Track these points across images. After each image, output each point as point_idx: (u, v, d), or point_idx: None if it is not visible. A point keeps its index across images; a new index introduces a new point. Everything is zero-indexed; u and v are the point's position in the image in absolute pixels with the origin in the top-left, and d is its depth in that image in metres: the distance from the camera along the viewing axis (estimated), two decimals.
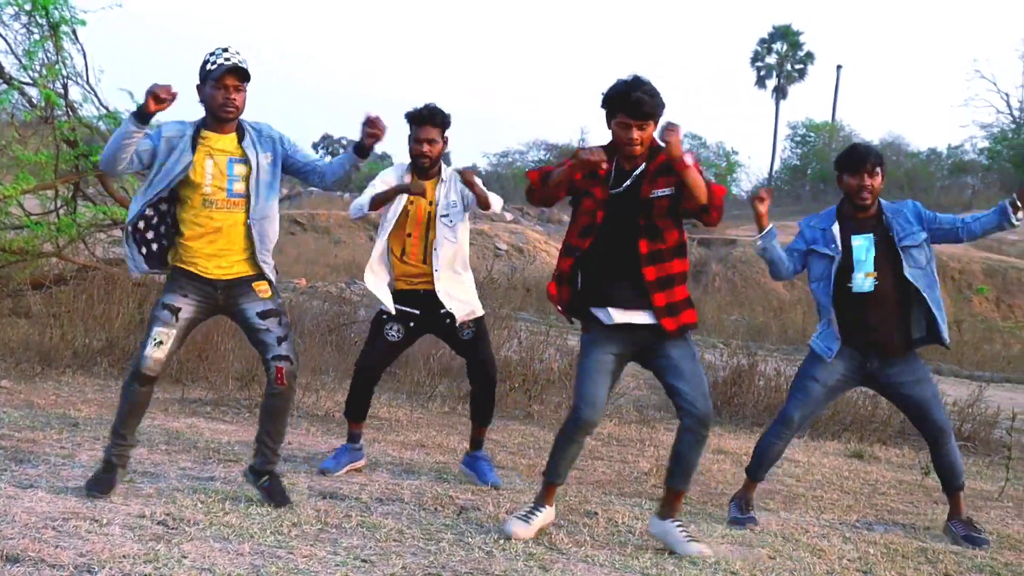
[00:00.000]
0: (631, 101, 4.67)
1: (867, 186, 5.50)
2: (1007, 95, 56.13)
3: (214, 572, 3.77)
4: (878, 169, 5.53)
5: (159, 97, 4.61)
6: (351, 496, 5.29)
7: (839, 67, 60.95)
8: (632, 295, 4.83)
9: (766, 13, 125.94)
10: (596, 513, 5.43)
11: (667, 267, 4.84)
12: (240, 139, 5.01)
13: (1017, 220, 5.49)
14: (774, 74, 60.38)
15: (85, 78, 9.93)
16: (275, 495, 4.97)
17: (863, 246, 5.54)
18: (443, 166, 6.07)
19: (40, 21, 9.60)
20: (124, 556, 3.85)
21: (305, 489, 5.32)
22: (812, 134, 56.42)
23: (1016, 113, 53.99)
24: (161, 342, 4.89)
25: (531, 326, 13.20)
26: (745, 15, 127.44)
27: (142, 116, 4.67)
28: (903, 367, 5.59)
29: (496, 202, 5.97)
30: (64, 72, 9.80)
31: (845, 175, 5.58)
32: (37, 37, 9.65)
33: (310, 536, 4.44)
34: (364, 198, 5.95)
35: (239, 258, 5.01)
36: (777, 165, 58.42)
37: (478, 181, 5.91)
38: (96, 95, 10.01)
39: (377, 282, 5.98)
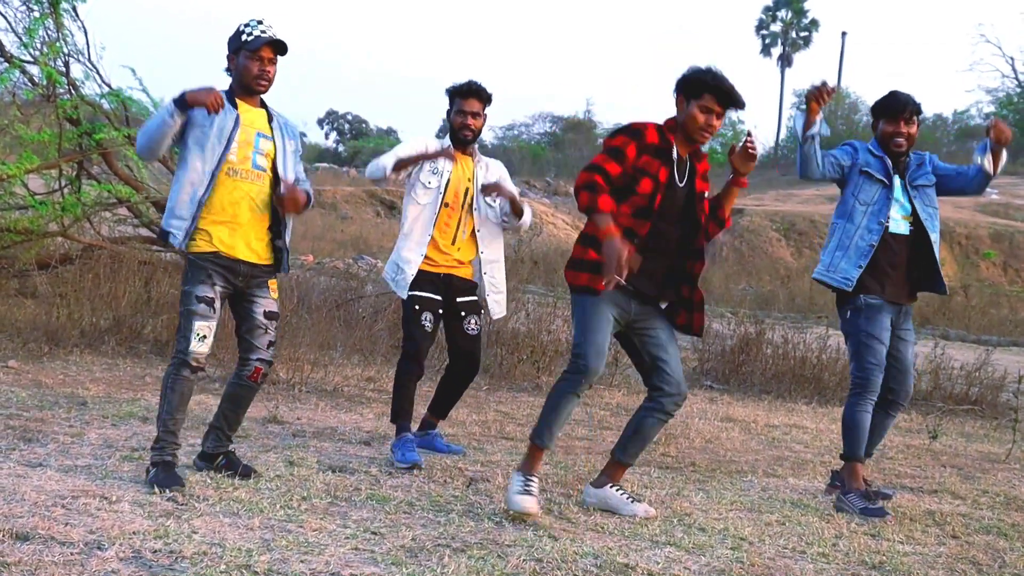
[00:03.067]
0: (724, 88, 4.65)
1: (903, 132, 5.49)
2: (1012, 59, 55.96)
3: (224, 547, 3.78)
4: (915, 118, 5.51)
5: (210, 104, 4.60)
6: (360, 470, 5.30)
7: (844, 34, 61.07)
8: (666, 286, 4.80)
9: None
10: None
11: (701, 265, 4.87)
12: (269, 119, 4.97)
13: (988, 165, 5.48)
14: (779, 42, 60.19)
15: (87, 56, 9.93)
16: (238, 467, 4.96)
17: (900, 186, 5.52)
18: (476, 149, 6.03)
19: None
20: (134, 532, 3.86)
21: (314, 463, 5.33)
22: None
23: (1021, 77, 53.75)
24: (204, 336, 4.76)
25: (538, 298, 13.21)
26: None
27: (183, 105, 4.63)
28: (907, 321, 5.58)
29: (528, 214, 5.97)
30: (65, 50, 9.79)
31: (881, 121, 5.55)
32: (37, 15, 9.64)
33: (320, 510, 4.45)
34: (387, 159, 5.83)
35: (262, 236, 4.89)
36: (783, 133, 58.27)
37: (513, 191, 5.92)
38: (98, 72, 10.02)
39: (409, 261, 5.80)
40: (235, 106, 4.85)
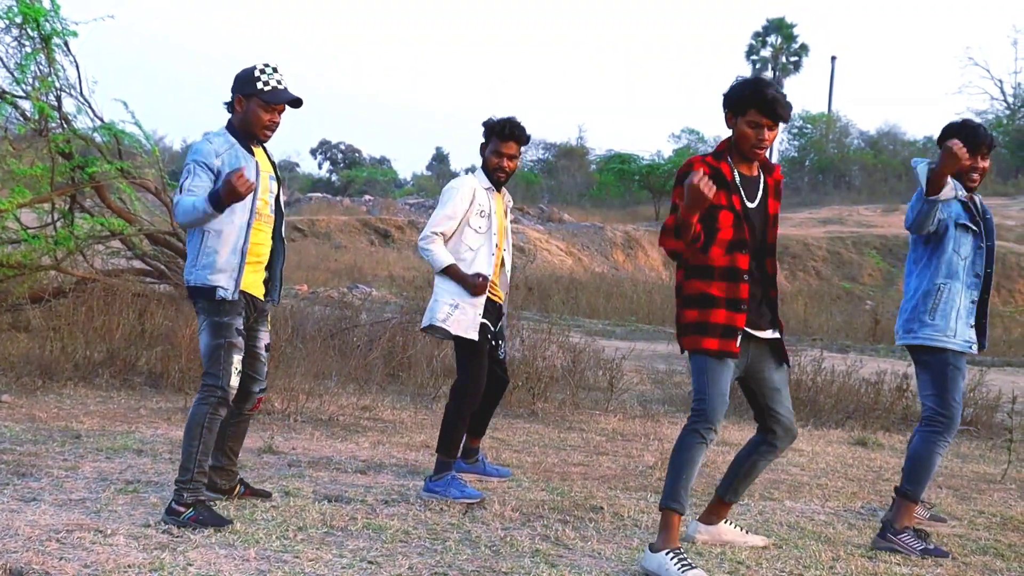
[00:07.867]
0: (767, 98, 4.36)
1: (979, 168, 5.21)
2: (1000, 81, 56.36)
3: None
4: (988, 153, 5.23)
5: (247, 192, 4.42)
6: (356, 499, 5.29)
7: (833, 58, 61.43)
8: (767, 315, 4.56)
9: (759, 7, 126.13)
10: (602, 508, 5.43)
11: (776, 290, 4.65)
12: (268, 157, 4.96)
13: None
14: (769, 67, 60.48)
15: (79, 90, 9.98)
16: (256, 490, 5.19)
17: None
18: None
19: (32, 34, 9.63)
20: (129, 566, 3.85)
21: (310, 493, 5.32)
22: (809, 126, 56.51)
23: (1010, 99, 54.08)
24: (240, 370, 4.79)
25: (533, 324, 13.22)
26: (739, 9, 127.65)
27: (220, 205, 4.44)
28: None
29: None
30: (57, 84, 9.84)
31: None
32: (29, 50, 9.68)
33: (315, 539, 4.44)
34: (443, 257, 5.63)
35: (264, 277, 4.94)
36: (775, 157, 58.43)
37: None
38: (90, 106, 10.06)
39: (472, 302, 5.64)
40: (251, 152, 4.80)
